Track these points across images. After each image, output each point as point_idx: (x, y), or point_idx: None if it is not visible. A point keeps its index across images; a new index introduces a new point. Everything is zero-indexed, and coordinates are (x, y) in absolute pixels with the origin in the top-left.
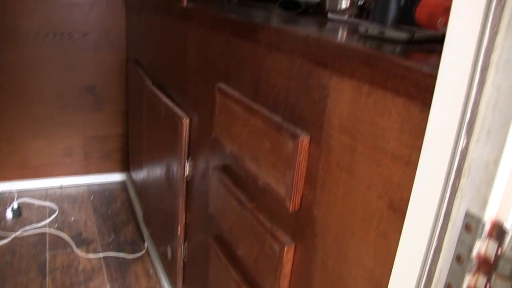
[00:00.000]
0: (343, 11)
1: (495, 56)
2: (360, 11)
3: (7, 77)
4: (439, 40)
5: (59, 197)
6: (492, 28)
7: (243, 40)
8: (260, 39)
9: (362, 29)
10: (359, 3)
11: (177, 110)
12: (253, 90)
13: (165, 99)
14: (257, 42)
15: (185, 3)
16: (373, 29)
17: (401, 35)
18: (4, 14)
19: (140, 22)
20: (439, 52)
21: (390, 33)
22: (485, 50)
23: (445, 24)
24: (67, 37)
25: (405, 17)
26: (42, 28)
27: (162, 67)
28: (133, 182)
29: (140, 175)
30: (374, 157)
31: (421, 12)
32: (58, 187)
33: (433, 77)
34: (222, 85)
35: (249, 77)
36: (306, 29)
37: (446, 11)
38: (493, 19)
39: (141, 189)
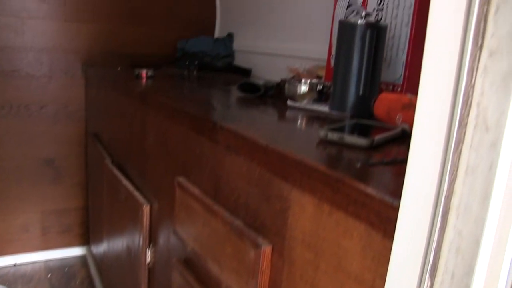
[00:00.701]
0: (302, 96)
1: (455, 201)
2: (319, 95)
3: None
4: (400, 138)
5: (11, 277)
6: (451, 173)
7: (202, 136)
8: (219, 139)
9: (321, 133)
10: (318, 87)
11: (137, 194)
12: (213, 189)
13: (125, 181)
14: (215, 141)
15: (144, 80)
16: (332, 134)
17: (361, 141)
18: None
19: (99, 96)
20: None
21: (350, 139)
22: (445, 195)
23: (404, 120)
24: (24, 109)
25: (364, 106)
26: None
27: (121, 146)
28: (93, 257)
29: (101, 249)
30: (338, 277)
31: (379, 107)
32: (11, 266)
33: (395, 209)
34: (182, 180)
35: (208, 175)
36: (265, 120)
37: (403, 107)
38: (451, 165)
39: (102, 265)
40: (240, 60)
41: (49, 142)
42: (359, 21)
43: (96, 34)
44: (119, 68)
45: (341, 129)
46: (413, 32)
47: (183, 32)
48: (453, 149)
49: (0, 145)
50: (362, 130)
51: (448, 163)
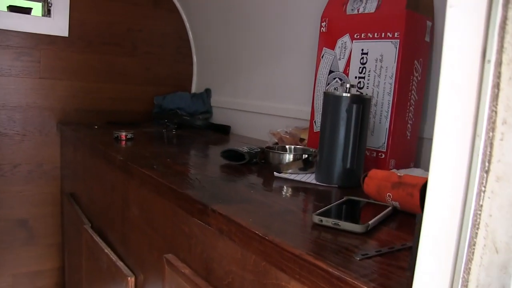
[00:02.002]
0: (287, 165)
1: None
2: (305, 164)
3: None
4: (392, 215)
5: None
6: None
7: (191, 216)
8: (210, 222)
9: (316, 219)
10: (303, 156)
11: (121, 264)
12: (204, 270)
13: (107, 250)
14: (206, 223)
15: (123, 142)
16: (327, 220)
17: (357, 228)
18: None
19: (76, 157)
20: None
21: (345, 225)
22: None
23: (394, 199)
24: None
25: (351, 177)
26: None
27: (101, 211)
28: None
29: None
30: None
31: (369, 185)
32: None
33: None
34: (170, 257)
35: (199, 255)
36: (255, 198)
37: (393, 186)
38: (462, 284)
39: None
40: (218, 116)
41: (22, 202)
42: (344, 94)
43: (72, 91)
44: (95, 126)
45: (333, 211)
46: (395, 100)
47: (160, 87)
48: (463, 268)
49: None
50: (354, 210)
51: (458, 282)
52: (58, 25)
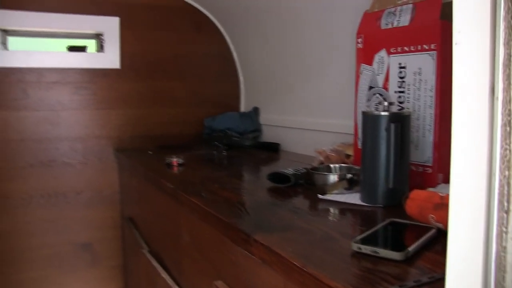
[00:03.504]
0: (332, 186)
1: None
2: (350, 183)
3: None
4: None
5: None
6: None
7: (236, 245)
8: (253, 252)
9: (355, 246)
10: (347, 176)
11: None
12: None
13: (163, 274)
14: (250, 252)
15: (175, 168)
16: (366, 248)
17: (396, 255)
18: None
19: (132, 182)
20: None
21: (384, 253)
22: None
23: (437, 220)
24: (61, 197)
25: (394, 197)
26: (37, 191)
27: (157, 236)
28: None
29: None
30: None
31: (411, 206)
32: None
33: None
34: (220, 284)
35: (245, 283)
36: (297, 225)
37: (435, 207)
38: None
39: None
40: (267, 134)
41: (86, 227)
42: (382, 113)
43: (125, 119)
44: (149, 152)
45: (374, 236)
46: (438, 113)
47: (209, 109)
48: None
49: (40, 233)
50: (396, 233)
51: None
52: (110, 58)
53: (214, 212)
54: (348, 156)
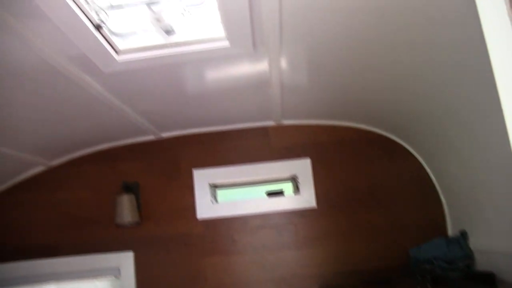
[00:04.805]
0: None
1: None
2: None
3: None
4: None
5: None
6: None
7: None
8: None
9: None
10: None
11: None
12: None
13: None
14: None
15: None
16: None
17: None
18: None
19: None
20: None
21: None
22: None
23: None
24: None
25: None
26: None
27: None
28: None
29: None
30: None
31: None
32: None
33: None
34: None
35: None
36: None
37: None
38: None
39: None
40: (480, 262)
41: None
42: None
43: (327, 256)
44: None
45: None
46: None
47: (412, 237)
48: None
49: None
50: None
51: None
52: (306, 198)
53: None
54: None
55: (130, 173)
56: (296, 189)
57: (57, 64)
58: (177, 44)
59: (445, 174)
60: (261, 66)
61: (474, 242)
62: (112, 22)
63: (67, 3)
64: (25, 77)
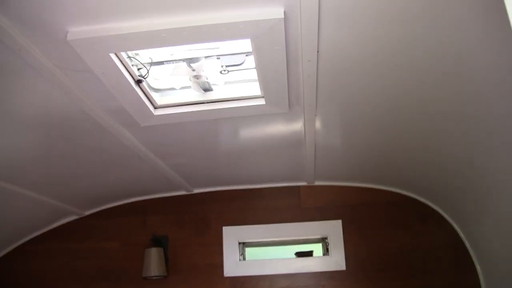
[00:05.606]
0: None
1: None
2: None
3: None
4: None
5: None
6: None
7: None
8: None
9: None
10: None
11: None
12: None
13: None
14: None
15: None
16: None
17: None
18: None
19: None
20: None
21: None
22: None
23: None
24: None
25: None
26: None
27: None
28: None
29: None
30: None
31: None
32: None
33: None
34: None
35: None
36: None
37: None
38: None
39: None
40: None
41: None
42: None
43: None
44: None
45: None
46: None
47: None
48: None
49: None
50: None
51: None
52: (336, 260)
53: None
54: None
55: (159, 226)
56: (326, 251)
57: (96, 116)
58: (213, 101)
59: (481, 241)
60: (296, 126)
61: None
62: (152, 77)
63: (112, 58)
64: (66, 127)
